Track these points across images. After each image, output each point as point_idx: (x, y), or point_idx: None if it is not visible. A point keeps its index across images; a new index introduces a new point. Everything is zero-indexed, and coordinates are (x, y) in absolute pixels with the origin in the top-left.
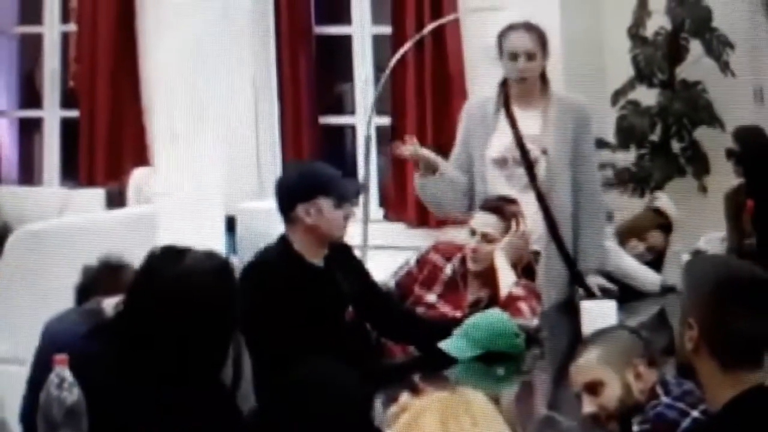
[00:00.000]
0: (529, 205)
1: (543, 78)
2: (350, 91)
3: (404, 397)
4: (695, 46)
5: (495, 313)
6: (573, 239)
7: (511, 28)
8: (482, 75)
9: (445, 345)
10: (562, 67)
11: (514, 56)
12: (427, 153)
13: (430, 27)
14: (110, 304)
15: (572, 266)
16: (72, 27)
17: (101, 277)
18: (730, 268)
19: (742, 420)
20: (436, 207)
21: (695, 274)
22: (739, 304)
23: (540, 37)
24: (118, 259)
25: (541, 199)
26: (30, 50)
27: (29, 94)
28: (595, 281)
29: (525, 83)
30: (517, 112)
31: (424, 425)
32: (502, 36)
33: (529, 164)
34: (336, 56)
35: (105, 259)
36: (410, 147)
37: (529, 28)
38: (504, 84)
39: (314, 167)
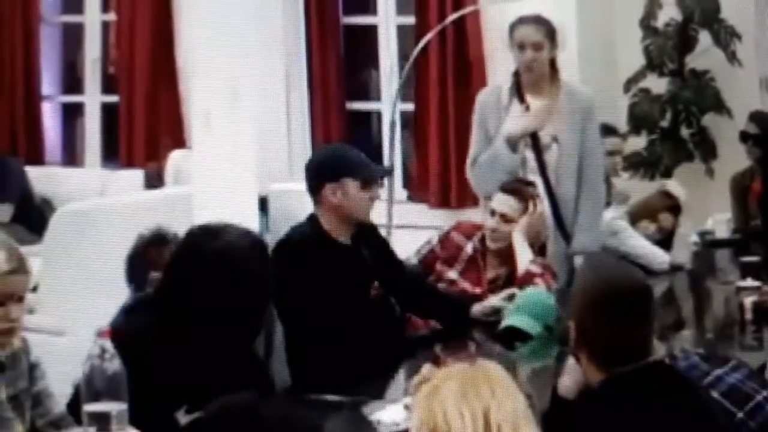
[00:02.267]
0: (540, 188)
1: (553, 67)
2: (376, 79)
3: (426, 368)
4: (704, 37)
5: (535, 290)
6: (572, 223)
7: (521, 20)
8: (501, 63)
9: (519, 323)
10: (577, 56)
11: (521, 47)
12: None
13: (451, 17)
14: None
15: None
16: (112, 16)
17: (150, 248)
18: (609, 275)
19: (610, 399)
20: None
21: (581, 277)
22: (610, 311)
23: (548, 28)
24: (168, 232)
25: (548, 184)
26: (72, 38)
27: (71, 80)
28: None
29: (532, 73)
30: (530, 99)
31: (445, 395)
32: (512, 27)
33: (538, 150)
34: (362, 45)
35: (156, 230)
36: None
37: (538, 20)
38: (517, 73)
39: (343, 150)
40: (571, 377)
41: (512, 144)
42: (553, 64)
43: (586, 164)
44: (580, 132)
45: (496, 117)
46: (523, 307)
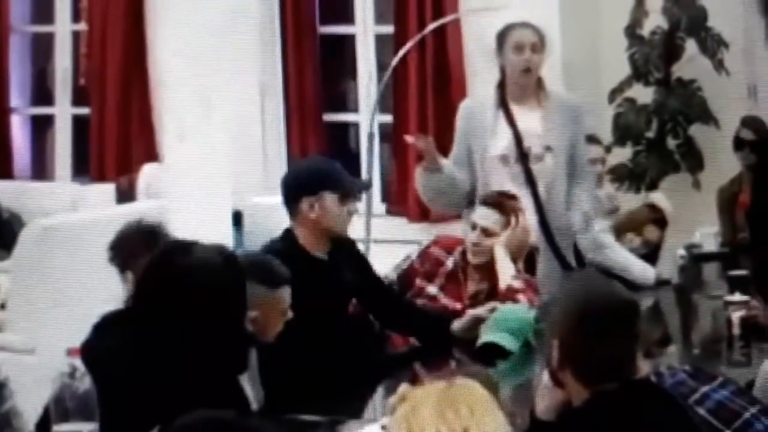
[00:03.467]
0: (528, 200)
1: (539, 77)
2: (354, 90)
3: (403, 387)
4: (691, 45)
5: (514, 307)
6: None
7: (514, 25)
8: (482, 74)
9: (499, 340)
10: (560, 65)
11: (519, 48)
12: (434, 149)
13: (431, 27)
14: None
15: (563, 261)
16: (83, 26)
17: (133, 237)
18: (594, 292)
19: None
20: (434, 203)
21: (565, 294)
22: (596, 329)
23: (540, 35)
24: (152, 222)
25: (537, 196)
26: (42, 49)
27: (41, 91)
28: None
29: (528, 76)
30: (516, 110)
31: (422, 415)
32: (504, 32)
33: (525, 161)
34: (340, 55)
35: (139, 221)
36: (425, 139)
37: (530, 25)
38: (501, 85)
39: (320, 163)
40: (547, 398)
41: (503, 161)
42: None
43: (579, 173)
44: (569, 140)
45: (480, 130)
46: (501, 323)
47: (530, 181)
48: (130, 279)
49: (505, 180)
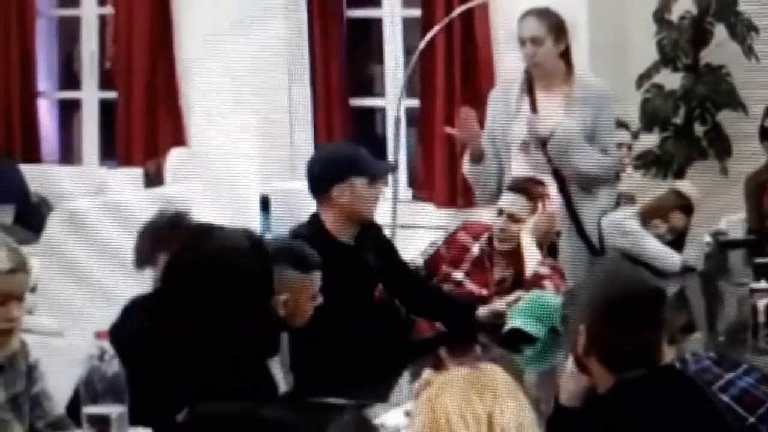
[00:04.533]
0: (551, 187)
1: (567, 61)
2: (380, 74)
3: (427, 372)
4: (720, 31)
5: (541, 292)
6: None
7: (524, 14)
8: (510, 59)
9: (524, 325)
10: (588, 50)
11: (522, 42)
12: (478, 135)
13: (458, 10)
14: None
15: (591, 245)
16: (109, 9)
17: (166, 231)
18: (621, 280)
19: (620, 403)
20: (482, 195)
21: (590, 280)
22: (623, 316)
23: (552, 22)
24: (188, 219)
25: (561, 181)
26: (68, 33)
27: (68, 75)
28: None
29: (538, 69)
30: (540, 96)
31: (447, 399)
32: (518, 22)
33: (545, 148)
34: (366, 39)
35: (177, 214)
36: (467, 124)
37: (541, 13)
38: (528, 70)
39: (347, 148)
40: (572, 385)
41: (524, 148)
42: (566, 58)
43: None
44: (591, 126)
45: (504, 117)
46: (528, 310)
47: (551, 167)
48: (161, 262)
49: (526, 167)
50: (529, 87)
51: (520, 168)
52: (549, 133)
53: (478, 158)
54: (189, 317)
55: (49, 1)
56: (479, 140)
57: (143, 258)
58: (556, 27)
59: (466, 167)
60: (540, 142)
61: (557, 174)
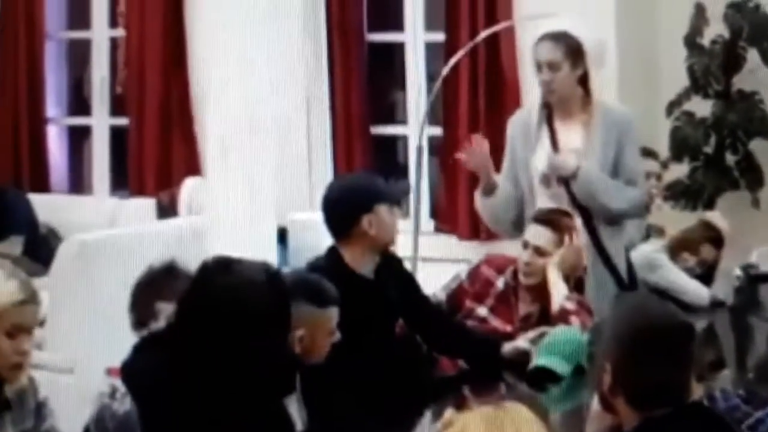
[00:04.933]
0: (576, 220)
1: (585, 87)
2: (402, 100)
3: (449, 412)
4: (752, 56)
5: (567, 328)
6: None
7: (540, 38)
8: (536, 84)
9: (549, 363)
10: (616, 76)
11: (538, 67)
12: (489, 167)
13: (483, 34)
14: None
15: (619, 279)
16: (120, 32)
17: (160, 278)
18: (647, 314)
19: None
20: (494, 225)
21: (615, 315)
22: (651, 352)
23: (569, 46)
24: (181, 266)
25: (585, 214)
26: (78, 56)
27: (78, 101)
28: None
29: (555, 95)
30: (560, 126)
31: None
32: (533, 47)
33: (567, 181)
34: (388, 64)
35: (169, 262)
36: (478, 152)
37: (557, 37)
38: (545, 96)
39: (367, 178)
40: (597, 424)
41: (545, 181)
42: (584, 83)
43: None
44: (614, 156)
45: (524, 145)
46: (553, 347)
47: (572, 201)
48: (163, 314)
49: (547, 201)
50: (548, 115)
51: (542, 200)
52: (571, 173)
53: (489, 191)
54: (203, 354)
55: (59, 24)
56: (489, 170)
57: (143, 313)
58: (573, 51)
59: (478, 201)
60: (562, 179)
61: (581, 207)
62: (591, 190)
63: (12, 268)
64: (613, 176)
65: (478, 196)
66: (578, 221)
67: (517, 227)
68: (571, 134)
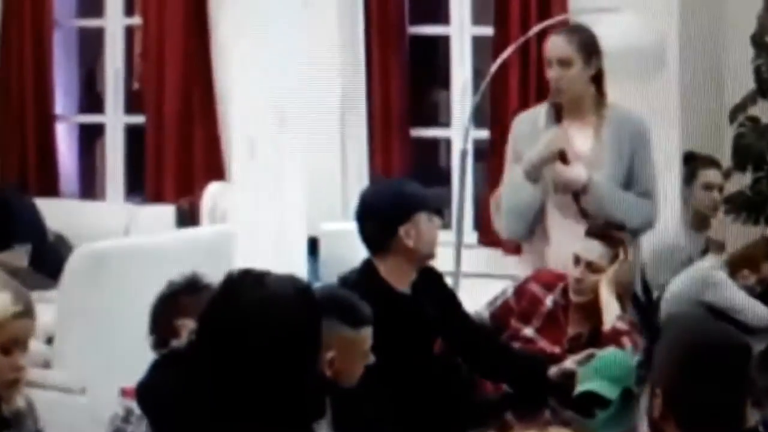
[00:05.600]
0: (581, 234)
1: (598, 87)
2: (446, 100)
3: None
4: None
5: (615, 351)
6: None
7: (555, 33)
8: None
9: (599, 388)
10: (677, 78)
11: (549, 63)
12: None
13: (536, 29)
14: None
15: (634, 297)
16: (137, 20)
17: (181, 295)
18: (700, 333)
19: None
20: (514, 225)
21: (667, 337)
22: (704, 375)
23: (582, 41)
24: (204, 280)
25: None
26: (90, 46)
27: (90, 96)
28: None
29: (563, 96)
30: (569, 127)
31: None
32: (546, 42)
33: (576, 194)
34: (431, 60)
35: (189, 277)
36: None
37: (571, 32)
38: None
39: (401, 184)
40: None
41: (531, 176)
42: (597, 83)
43: (635, 193)
44: (627, 162)
45: (530, 144)
46: (601, 370)
47: (580, 209)
48: (185, 332)
49: (552, 208)
50: (557, 117)
51: (548, 209)
52: (580, 187)
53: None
54: (227, 374)
55: (69, 11)
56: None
57: (163, 331)
58: (587, 46)
59: (512, 188)
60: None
61: (588, 216)
62: (602, 205)
63: (5, 279)
64: (626, 186)
65: (515, 179)
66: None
67: (532, 232)
68: (579, 138)
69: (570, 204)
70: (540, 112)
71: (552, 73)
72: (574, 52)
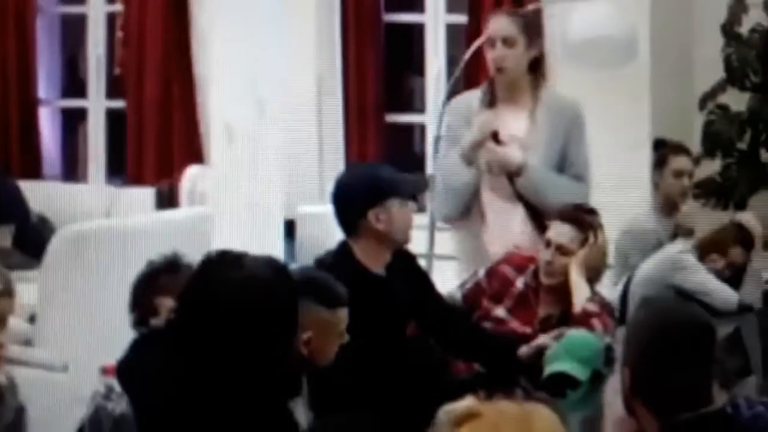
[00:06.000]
0: (516, 216)
1: (535, 72)
2: (420, 87)
3: (469, 401)
4: None
5: (583, 332)
6: None
7: (498, 13)
8: (562, 72)
9: (570, 369)
10: (649, 65)
11: (492, 43)
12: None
13: None
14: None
15: None
16: (118, 7)
17: (161, 274)
18: (666, 315)
19: None
20: (454, 208)
21: (635, 322)
22: (668, 355)
23: (525, 23)
24: (183, 260)
25: (529, 208)
26: (73, 32)
27: (72, 81)
28: None
29: (504, 74)
30: (504, 111)
31: None
32: (489, 23)
33: (510, 176)
34: (406, 47)
35: (171, 257)
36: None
37: (516, 13)
38: (491, 80)
39: (377, 169)
40: (621, 429)
41: (467, 159)
42: (535, 67)
43: (569, 176)
44: (561, 146)
45: (465, 128)
46: (570, 351)
47: (515, 191)
48: (164, 309)
49: (486, 190)
50: (491, 101)
51: (484, 187)
52: (516, 169)
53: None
54: (204, 352)
55: None
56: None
57: (143, 309)
58: (530, 29)
59: (451, 169)
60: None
61: (525, 201)
62: (536, 188)
63: None
64: (559, 169)
65: (450, 162)
66: (518, 212)
67: (466, 214)
68: (514, 121)
69: (504, 186)
70: (473, 97)
71: (496, 52)
72: (518, 33)
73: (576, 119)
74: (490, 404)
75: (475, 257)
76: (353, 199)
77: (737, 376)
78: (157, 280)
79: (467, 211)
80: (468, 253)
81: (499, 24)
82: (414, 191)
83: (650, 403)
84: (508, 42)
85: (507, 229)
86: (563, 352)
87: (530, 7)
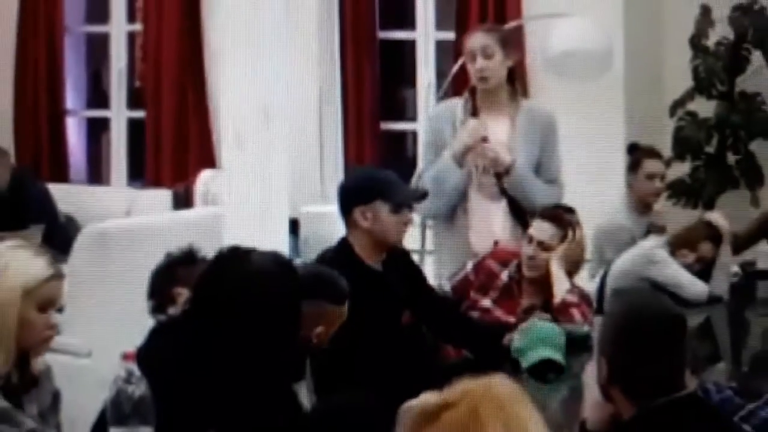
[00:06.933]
0: (498, 213)
1: (512, 82)
2: (412, 98)
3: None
4: (756, 58)
5: (546, 323)
6: None
7: (473, 29)
8: (544, 83)
9: (552, 354)
10: (622, 76)
11: (472, 56)
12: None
13: None
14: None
15: None
16: (138, 26)
17: (178, 265)
18: (640, 306)
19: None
20: (439, 207)
21: (610, 314)
22: (643, 344)
23: (501, 37)
24: (198, 252)
25: (513, 206)
26: (97, 49)
27: (96, 94)
28: None
29: (487, 84)
30: (486, 119)
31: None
32: (466, 40)
33: (498, 174)
34: (399, 62)
35: (187, 249)
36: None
37: (489, 28)
38: (473, 90)
39: (374, 172)
40: (598, 412)
41: (458, 160)
42: (512, 78)
43: (543, 180)
44: (538, 151)
45: (452, 132)
46: (545, 339)
47: (504, 193)
48: (181, 299)
49: (473, 191)
50: (473, 110)
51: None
52: (506, 168)
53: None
54: (216, 339)
55: (78, 18)
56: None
57: (161, 298)
58: (505, 41)
59: (442, 168)
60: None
61: (510, 198)
62: (522, 187)
63: (38, 248)
64: (535, 173)
65: (445, 163)
66: (499, 209)
67: (453, 211)
68: (497, 128)
69: (489, 186)
70: (456, 105)
71: (477, 64)
72: (495, 45)
73: (550, 126)
74: (452, 388)
75: (457, 252)
76: (345, 195)
77: (707, 363)
78: (174, 271)
79: (454, 209)
80: (451, 248)
81: (476, 38)
82: (405, 200)
83: (626, 390)
84: (486, 53)
85: (490, 225)
86: (537, 340)
87: (511, 24)
